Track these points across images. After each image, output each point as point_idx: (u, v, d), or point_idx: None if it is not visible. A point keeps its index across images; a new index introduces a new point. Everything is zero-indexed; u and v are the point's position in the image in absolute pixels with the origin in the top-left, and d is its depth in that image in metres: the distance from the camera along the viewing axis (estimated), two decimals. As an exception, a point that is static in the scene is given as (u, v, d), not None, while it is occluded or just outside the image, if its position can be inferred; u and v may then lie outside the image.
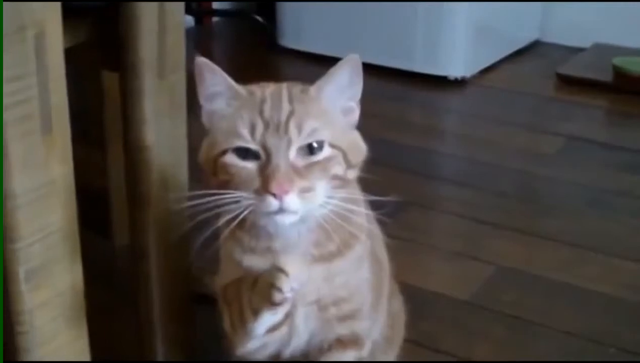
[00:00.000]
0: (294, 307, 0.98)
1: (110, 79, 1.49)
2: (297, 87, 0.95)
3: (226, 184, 0.91)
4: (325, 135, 0.91)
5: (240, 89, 0.94)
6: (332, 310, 1.03)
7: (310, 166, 0.90)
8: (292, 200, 0.88)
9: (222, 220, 0.92)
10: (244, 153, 0.90)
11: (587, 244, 1.76)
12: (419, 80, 2.69)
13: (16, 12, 0.89)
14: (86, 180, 1.70)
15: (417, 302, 1.53)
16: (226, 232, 0.95)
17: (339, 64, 0.93)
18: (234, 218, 0.91)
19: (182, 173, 1.23)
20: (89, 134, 1.67)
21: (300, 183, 0.89)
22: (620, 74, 2.65)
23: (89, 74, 1.56)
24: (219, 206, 0.90)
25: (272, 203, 0.88)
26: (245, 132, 0.90)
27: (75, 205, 1.00)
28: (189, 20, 3.18)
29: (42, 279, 1.00)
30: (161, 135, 1.18)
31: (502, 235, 1.80)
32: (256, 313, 0.94)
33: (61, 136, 0.99)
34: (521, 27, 3.03)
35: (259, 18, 3.05)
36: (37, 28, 0.93)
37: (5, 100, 0.91)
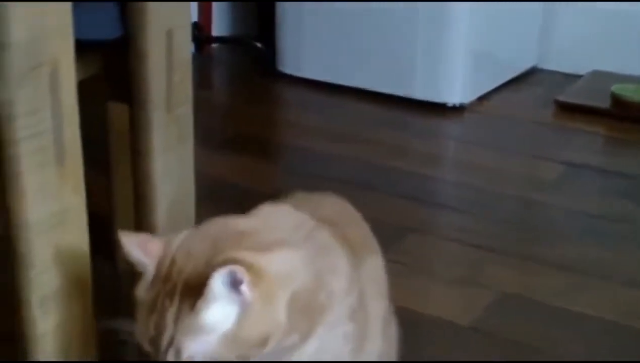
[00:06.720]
0: None
1: (114, 109, 1.52)
2: None
3: None
4: None
5: None
6: None
7: None
8: None
9: None
10: None
11: (586, 271, 1.79)
12: (417, 106, 2.72)
13: (34, 50, 0.93)
14: (92, 205, 1.73)
15: (417, 326, 1.56)
16: None
17: None
18: None
19: (190, 204, 1.26)
20: (94, 161, 1.70)
21: None
22: (618, 100, 2.68)
23: (95, 103, 1.60)
24: None
25: None
26: None
27: (87, 233, 1.03)
28: (191, 47, 3.21)
29: (55, 305, 1.03)
30: (169, 167, 1.21)
31: (501, 261, 1.83)
32: None
33: (74, 167, 1.02)
34: (519, 54, 3.06)
35: (258, 45, 3.08)
36: (52, 65, 0.96)
37: (21, 133, 0.95)
